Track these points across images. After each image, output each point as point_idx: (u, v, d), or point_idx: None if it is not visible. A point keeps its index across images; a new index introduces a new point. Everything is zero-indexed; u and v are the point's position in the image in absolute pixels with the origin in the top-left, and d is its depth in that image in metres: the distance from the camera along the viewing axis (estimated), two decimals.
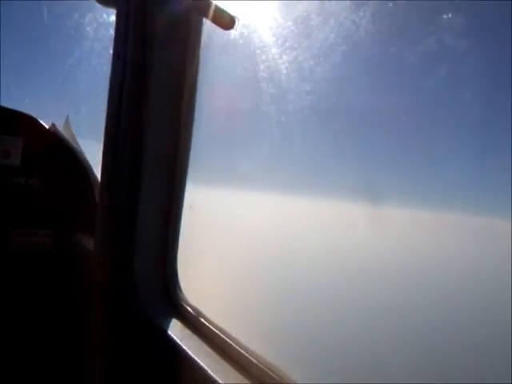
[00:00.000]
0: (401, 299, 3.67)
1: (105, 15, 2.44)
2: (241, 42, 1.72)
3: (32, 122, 2.43)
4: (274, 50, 1.73)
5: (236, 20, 1.60)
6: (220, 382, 1.35)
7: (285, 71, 1.68)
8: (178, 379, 1.58)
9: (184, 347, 1.55)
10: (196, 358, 1.48)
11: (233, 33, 1.67)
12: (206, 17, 1.69)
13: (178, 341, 1.59)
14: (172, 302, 1.84)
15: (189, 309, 1.77)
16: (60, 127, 2.62)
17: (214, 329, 1.62)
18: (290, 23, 1.61)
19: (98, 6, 2.15)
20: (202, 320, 1.68)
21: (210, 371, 1.41)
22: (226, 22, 1.62)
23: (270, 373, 1.36)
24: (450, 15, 1.21)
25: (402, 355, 2.95)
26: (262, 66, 1.68)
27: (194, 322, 1.70)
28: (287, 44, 1.65)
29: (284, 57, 1.65)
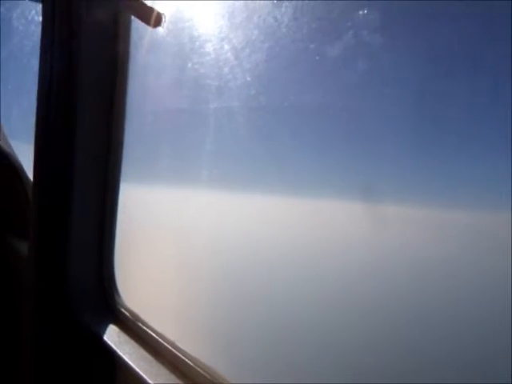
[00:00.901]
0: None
1: (34, 11, 2.35)
2: (168, 39, 1.69)
3: None
4: (206, 46, 1.71)
5: (163, 17, 1.57)
6: None
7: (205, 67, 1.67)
8: None
9: (120, 353, 1.52)
10: (132, 364, 1.46)
11: (161, 30, 1.63)
12: (134, 15, 1.65)
13: (115, 347, 1.56)
14: (109, 307, 1.80)
15: (126, 313, 1.73)
16: None
17: (151, 333, 1.59)
18: (216, 20, 1.60)
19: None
20: (140, 324, 1.64)
21: (145, 376, 1.39)
22: (153, 19, 1.58)
23: (206, 374, 1.35)
24: (365, 11, 1.23)
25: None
26: (190, 64, 1.65)
27: (131, 327, 1.67)
28: (216, 40, 1.64)
29: (211, 53, 1.63)
